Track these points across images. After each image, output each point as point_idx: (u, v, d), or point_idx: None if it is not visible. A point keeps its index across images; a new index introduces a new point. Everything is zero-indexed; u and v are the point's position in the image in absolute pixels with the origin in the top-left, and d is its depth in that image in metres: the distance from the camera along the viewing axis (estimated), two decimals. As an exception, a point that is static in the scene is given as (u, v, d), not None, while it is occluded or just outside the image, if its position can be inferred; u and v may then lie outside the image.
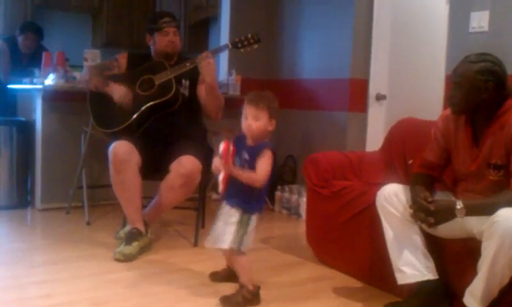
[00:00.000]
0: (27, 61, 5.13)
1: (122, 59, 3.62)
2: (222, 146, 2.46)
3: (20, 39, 5.18)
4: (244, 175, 2.46)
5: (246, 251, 2.53)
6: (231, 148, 2.45)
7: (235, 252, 2.53)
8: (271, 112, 2.48)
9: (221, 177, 2.49)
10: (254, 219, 2.52)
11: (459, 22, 3.53)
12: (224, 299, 2.55)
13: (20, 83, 4.46)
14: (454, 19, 3.58)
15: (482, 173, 2.36)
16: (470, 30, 3.46)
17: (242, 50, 3.49)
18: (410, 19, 4.64)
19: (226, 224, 2.52)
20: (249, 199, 2.51)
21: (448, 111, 2.52)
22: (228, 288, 2.67)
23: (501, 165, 2.30)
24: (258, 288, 2.59)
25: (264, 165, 2.45)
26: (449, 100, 2.42)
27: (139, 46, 3.71)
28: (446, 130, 2.54)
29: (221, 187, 2.51)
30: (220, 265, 3.01)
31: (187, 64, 3.41)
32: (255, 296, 2.56)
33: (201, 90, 3.49)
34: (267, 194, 2.68)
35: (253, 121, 2.47)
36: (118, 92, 3.39)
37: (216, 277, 2.85)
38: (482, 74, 2.29)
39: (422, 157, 2.62)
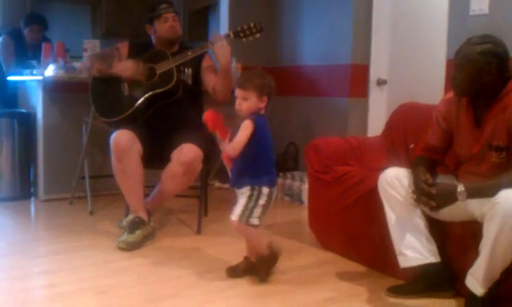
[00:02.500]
0: (32, 52, 5.11)
1: (123, 47, 3.60)
2: (206, 116, 2.58)
3: (25, 32, 5.17)
4: (224, 146, 2.56)
5: (257, 227, 2.58)
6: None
7: (243, 224, 2.56)
8: (259, 90, 2.53)
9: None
10: (265, 192, 2.56)
11: (459, 5, 3.51)
12: (261, 273, 2.65)
13: (21, 74, 4.46)
14: (454, 2, 3.56)
15: (484, 155, 2.36)
16: (471, 13, 3.44)
17: (244, 39, 3.46)
18: (410, 3, 4.62)
19: (239, 199, 2.59)
20: (257, 173, 2.56)
21: (450, 94, 2.52)
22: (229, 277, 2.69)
23: (503, 147, 2.30)
24: (271, 245, 2.67)
25: (238, 134, 2.51)
26: (451, 82, 2.41)
27: (139, 36, 3.69)
28: (448, 113, 2.53)
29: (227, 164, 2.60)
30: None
31: (189, 53, 3.40)
32: (274, 256, 2.66)
33: (207, 76, 3.49)
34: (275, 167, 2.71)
35: (242, 102, 2.55)
36: (126, 67, 3.39)
37: (235, 272, 2.74)
38: (484, 56, 2.28)
39: (424, 141, 2.62)
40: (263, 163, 2.59)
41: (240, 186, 2.59)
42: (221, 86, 3.43)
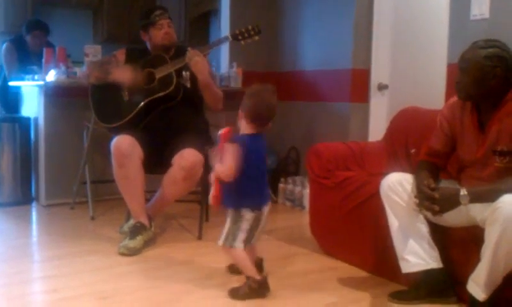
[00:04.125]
0: (36, 59, 5.10)
1: (120, 55, 3.61)
2: (221, 132, 2.49)
3: (28, 39, 5.17)
4: (216, 168, 2.48)
5: (240, 248, 2.52)
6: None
7: (228, 249, 2.54)
8: (247, 115, 2.50)
9: (212, 189, 2.50)
10: (247, 217, 2.50)
11: (460, 10, 3.51)
12: (232, 291, 2.57)
13: (22, 80, 4.47)
14: (455, 7, 3.56)
15: (488, 160, 2.35)
16: (471, 17, 3.43)
17: (242, 42, 3.48)
18: (411, 8, 4.62)
19: (226, 223, 2.54)
20: (239, 196, 2.50)
21: (454, 99, 2.51)
22: (232, 281, 2.69)
23: (507, 151, 2.29)
24: (265, 277, 2.59)
25: (226, 158, 2.44)
26: (456, 86, 2.40)
27: (140, 41, 3.70)
28: (452, 117, 2.53)
29: (213, 199, 2.50)
30: (223, 257, 3.01)
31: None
32: (262, 285, 2.55)
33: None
34: (268, 186, 2.64)
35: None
36: (125, 74, 3.39)
37: (234, 269, 2.80)
38: (490, 60, 2.28)
39: (427, 145, 2.62)
40: (246, 186, 2.50)
41: (226, 205, 2.54)
42: (206, 98, 3.46)
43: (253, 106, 2.49)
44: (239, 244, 2.51)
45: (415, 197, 2.40)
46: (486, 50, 2.29)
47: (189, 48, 3.39)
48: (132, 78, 3.38)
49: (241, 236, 2.50)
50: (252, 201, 2.53)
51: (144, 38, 3.58)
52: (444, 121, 2.56)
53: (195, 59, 3.32)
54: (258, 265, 2.74)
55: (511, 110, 2.29)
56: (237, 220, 2.51)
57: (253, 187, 2.54)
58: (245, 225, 2.50)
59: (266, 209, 2.58)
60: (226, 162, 2.44)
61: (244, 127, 2.51)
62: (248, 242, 2.53)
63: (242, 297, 2.53)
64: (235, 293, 2.56)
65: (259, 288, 2.55)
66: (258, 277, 2.56)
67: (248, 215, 2.51)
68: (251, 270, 2.57)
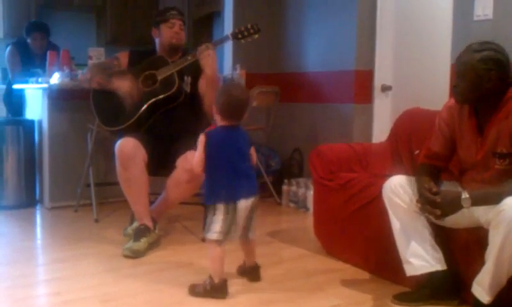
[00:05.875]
0: (40, 61, 5.10)
1: (123, 57, 3.61)
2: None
3: (29, 41, 5.19)
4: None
5: (217, 243, 2.54)
6: None
7: (208, 241, 2.57)
8: (219, 109, 2.59)
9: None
10: (219, 207, 2.52)
11: (463, 10, 3.50)
12: (191, 287, 2.62)
13: (26, 83, 4.48)
14: (458, 7, 3.56)
15: (488, 162, 2.35)
16: (475, 18, 3.43)
17: (242, 41, 3.50)
18: (414, 9, 4.62)
19: None
20: (210, 187, 2.57)
21: (452, 101, 2.50)
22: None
23: (506, 153, 2.28)
24: (225, 281, 2.58)
25: (197, 151, 2.57)
26: (453, 90, 2.41)
27: (143, 43, 3.71)
28: (450, 119, 2.52)
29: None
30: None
31: (189, 57, 3.40)
32: (217, 289, 2.55)
33: (202, 83, 3.47)
34: (227, 184, 2.59)
35: None
36: (123, 86, 3.39)
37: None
38: (485, 63, 2.27)
39: (427, 148, 2.61)
40: (216, 178, 2.55)
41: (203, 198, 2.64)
42: (207, 96, 3.38)
43: (223, 102, 2.58)
44: (213, 234, 2.52)
45: (417, 201, 2.39)
46: (481, 54, 2.28)
47: (204, 44, 3.39)
48: (130, 91, 3.38)
49: (215, 226, 2.52)
50: (223, 194, 2.53)
51: (155, 34, 3.59)
52: (443, 123, 2.55)
53: (207, 51, 3.33)
54: (253, 269, 2.76)
55: (509, 112, 2.28)
56: (211, 211, 2.55)
57: (223, 179, 2.55)
58: (218, 215, 2.52)
59: (245, 202, 2.56)
60: (195, 155, 2.56)
61: (219, 121, 2.60)
62: (224, 234, 2.52)
63: (197, 295, 2.57)
64: (192, 290, 2.60)
65: (213, 291, 2.55)
66: (216, 280, 2.55)
67: (220, 206, 2.53)
68: (216, 272, 2.57)
